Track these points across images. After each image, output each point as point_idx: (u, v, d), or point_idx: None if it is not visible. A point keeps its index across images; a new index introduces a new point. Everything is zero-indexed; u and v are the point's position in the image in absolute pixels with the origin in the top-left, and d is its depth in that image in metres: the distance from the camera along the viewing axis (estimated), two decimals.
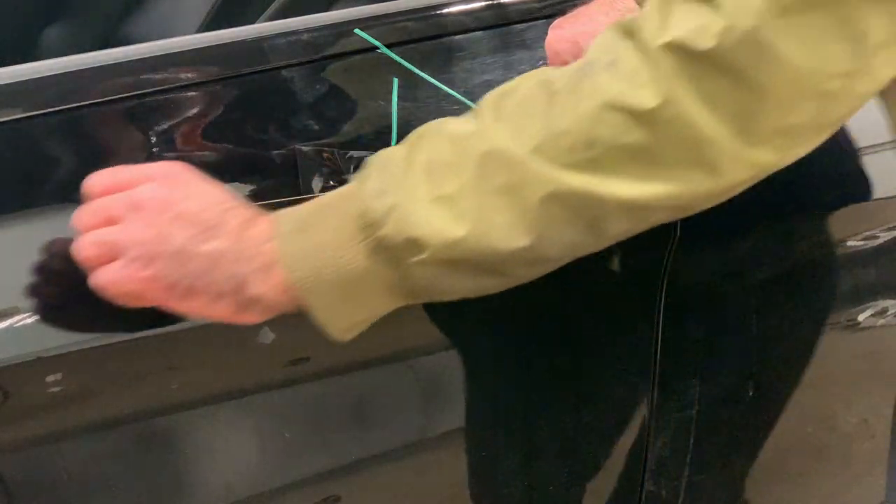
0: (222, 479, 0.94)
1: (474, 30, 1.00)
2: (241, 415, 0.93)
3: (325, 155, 0.90)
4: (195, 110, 0.91)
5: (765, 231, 1.12)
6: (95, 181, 0.78)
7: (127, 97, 0.88)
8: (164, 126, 0.90)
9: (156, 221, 0.75)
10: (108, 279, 0.75)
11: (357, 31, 0.94)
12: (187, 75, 0.91)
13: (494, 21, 1.01)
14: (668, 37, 0.67)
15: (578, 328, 1.06)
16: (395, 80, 0.94)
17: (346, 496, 0.99)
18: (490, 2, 1.02)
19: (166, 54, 0.92)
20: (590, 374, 1.10)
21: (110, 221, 0.76)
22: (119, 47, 0.92)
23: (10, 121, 0.85)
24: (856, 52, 0.67)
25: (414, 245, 0.71)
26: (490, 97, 0.75)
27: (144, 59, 0.92)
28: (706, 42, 0.66)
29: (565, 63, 0.80)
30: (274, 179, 0.90)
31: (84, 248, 0.76)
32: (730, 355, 1.17)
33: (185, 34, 1.02)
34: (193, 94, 0.91)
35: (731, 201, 1.10)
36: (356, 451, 0.99)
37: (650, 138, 0.68)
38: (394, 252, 0.72)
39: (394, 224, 0.71)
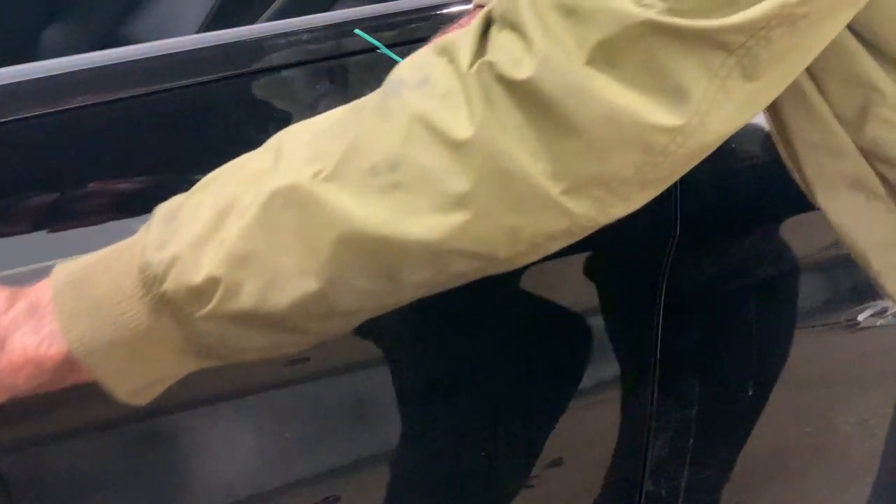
0: (222, 479, 0.94)
1: None
2: (241, 415, 0.92)
3: None
4: (195, 110, 0.91)
5: (765, 231, 1.12)
6: None
7: (127, 97, 0.88)
8: (164, 126, 0.90)
9: None
10: None
11: (357, 31, 0.94)
12: (187, 75, 0.91)
13: None
14: (482, 59, 0.63)
15: (578, 328, 1.06)
16: None
17: (346, 496, 0.99)
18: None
19: (166, 54, 0.92)
20: (590, 373, 1.10)
21: None
22: (119, 47, 0.92)
23: (10, 121, 0.85)
24: (679, 108, 0.63)
25: (195, 297, 0.66)
26: (293, 128, 0.70)
27: (144, 59, 0.92)
28: (521, 72, 0.62)
29: None
30: None
31: None
32: (730, 355, 1.17)
33: (185, 34, 1.02)
34: (193, 94, 0.91)
35: (730, 201, 1.10)
36: (356, 451, 0.99)
37: (459, 164, 0.63)
38: (177, 306, 0.66)
39: (175, 276, 0.65)
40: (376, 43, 0.94)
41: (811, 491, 1.36)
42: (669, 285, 1.07)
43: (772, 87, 0.67)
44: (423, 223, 0.63)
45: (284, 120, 0.91)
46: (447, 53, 0.65)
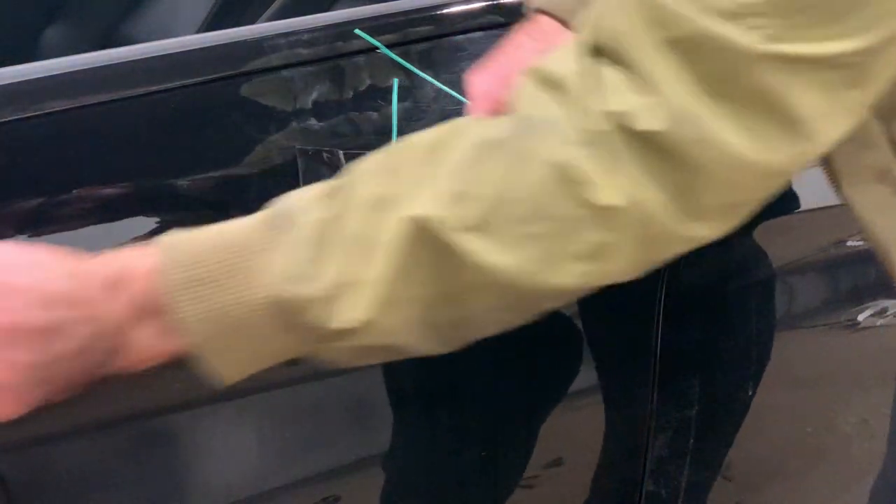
0: (222, 479, 0.94)
1: (474, 30, 1.00)
2: (241, 415, 0.92)
3: (325, 155, 0.90)
4: (195, 111, 0.91)
5: (765, 231, 1.12)
6: None
7: (127, 97, 0.88)
8: (164, 126, 0.90)
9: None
10: None
11: (357, 31, 0.94)
12: (187, 75, 0.91)
13: (494, 21, 1.01)
14: (608, 107, 0.63)
15: (578, 328, 1.06)
16: (395, 81, 0.94)
17: (346, 496, 0.99)
18: (490, 2, 1.02)
19: (166, 54, 0.92)
20: (590, 373, 1.10)
21: None
22: (119, 47, 0.92)
23: (10, 121, 0.85)
24: (796, 132, 0.64)
25: (336, 335, 0.65)
26: (412, 152, 0.68)
27: (144, 59, 0.92)
28: (654, 123, 0.63)
29: (496, 107, 0.74)
30: (274, 180, 0.90)
31: None
32: (730, 355, 1.17)
33: (185, 34, 1.02)
34: (193, 94, 0.90)
35: None
36: (356, 451, 0.99)
37: (603, 219, 0.64)
38: (312, 336, 0.66)
39: (315, 316, 0.65)
40: (376, 43, 0.94)
41: (811, 491, 1.36)
42: (669, 285, 1.07)
43: (878, 87, 0.68)
44: (564, 271, 0.65)
45: (284, 120, 0.91)
46: (558, 88, 0.65)
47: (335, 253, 0.65)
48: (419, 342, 0.68)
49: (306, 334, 0.66)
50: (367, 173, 0.67)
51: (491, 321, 0.69)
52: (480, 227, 0.64)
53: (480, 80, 0.83)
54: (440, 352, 0.69)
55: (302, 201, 0.68)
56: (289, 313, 0.65)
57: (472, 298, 0.66)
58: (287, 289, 0.65)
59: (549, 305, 0.70)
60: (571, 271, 0.65)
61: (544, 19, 0.88)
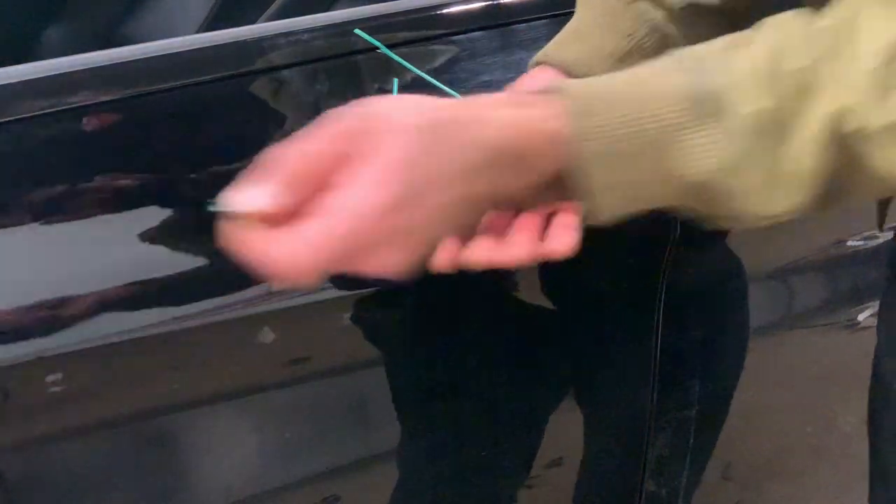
0: (222, 480, 0.94)
1: (474, 30, 1.00)
2: (241, 415, 0.93)
3: None
4: (195, 111, 0.91)
5: (765, 230, 1.12)
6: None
7: (127, 97, 0.88)
8: (164, 126, 0.90)
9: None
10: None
11: (357, 31, 0.94)
12: (187, 75, 0.91)
13: (494, 21, 1.01)
14: None
15: (578, 328, 1.06)
16: (395, 81, 0.94)
17: (346, 496, 0.99)
18: (490, 2, 1.02)
19: (166, 54, 0.92)
20: (590, 373, 1.10)
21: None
22: (119, 47, 0.92)
23: (10, 121, 0.85)
24: None
25: (763, 219, 0.66)
26: (823, 38, 0.64)
27: (144, 59, 0.92)
28: None
29: None
30: None
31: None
32: (730, 355, 1.17)
33: (185, 34, 1.02)
34: (193, 94, 0.91)
35: None
36: (356, 451, 0.99)
37: None
38: (726, 216, 0.66)
39: (741, 206, 0.65)
40: (376, 43, 0.94)
41: (811, 491, 1.36)
42: (669, 285, 1.07)
43: None
44: None
45: (284, 120, 0.91)
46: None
47: (769, 146, 0.63)
48: (800, 213, 0.66)
49: (724, 214, 0.66)
50: (789, 52, 0.64)
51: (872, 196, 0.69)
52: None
53: None
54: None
55: (733, 84, 0.64)
56: (714, 198, 0.65)
57: (865, 190, 0.66)
58: (719, 178, 0.64)
59: None
60: None
61: (545, 72, 0.86)
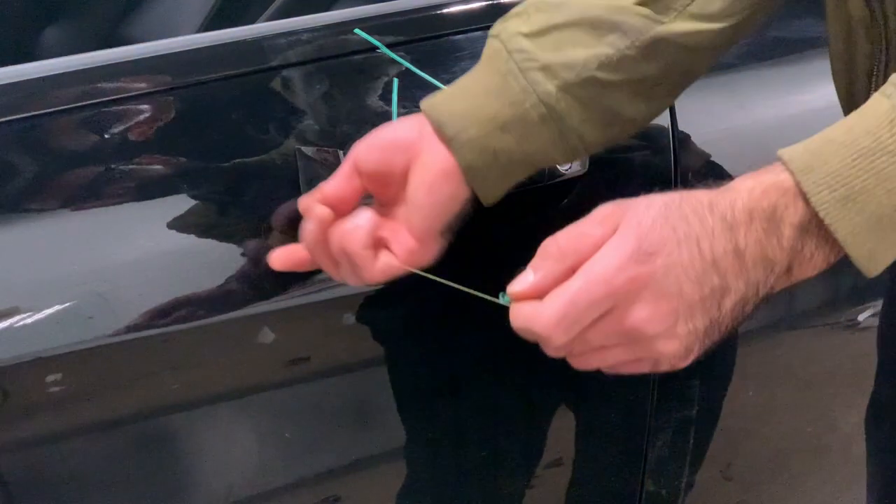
0: (222, 480, 0.94)
1: (474, 30, 1.00)
2: (241, 415, 0.93)
3: (325, 155, 0.90)
4: (195, 110, 0.91)
5: None
6: (555, 334, 0.70)
7: (126, 97, 0.88)
8: (164, 126, 0.90)
9: (671, 332, 0.68)
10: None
11: (357, 30, 0.94)
12: (187, 75, 0.91)
13: (494, 21, 1.01)
14: None
15: None
16: (396, 80, 0.94)
17: (346, 496, 0.99)
18: (490, 2, 1.02)
19: (166, 54, 0.92)
20: (590, 373, 1.10)
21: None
22: (119, 47, 0.92)
23: (11, 121, 0.85)
24: None
25: None
26: None
27: (144, 59, 0.92)
28: None
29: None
30: (274, 180, 0.90)
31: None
32: (730, 355, 1.17)
33: (185, 34, 1.02)
34: (193, 94, 0.91)
35: None
36: (356, 451, 0.99)
37: None
38: None
39: None
40: (376, 43, 0.94)
41: (811, 491, 1.36)
42: None
43: None
44: None
45: (284, 120, 0.92)
46: None
47: None
48: None
49: None
50: None
51: None
52: None
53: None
54: None
55: None
56: None
57: None
58: None
59: None
60: None
61: (422, 120, 0.84)
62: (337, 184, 0.80)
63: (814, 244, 0.68)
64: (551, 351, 0.72)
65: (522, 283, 0.70)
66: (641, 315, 0.67)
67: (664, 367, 0.71)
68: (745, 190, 0.67)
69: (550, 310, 0.68)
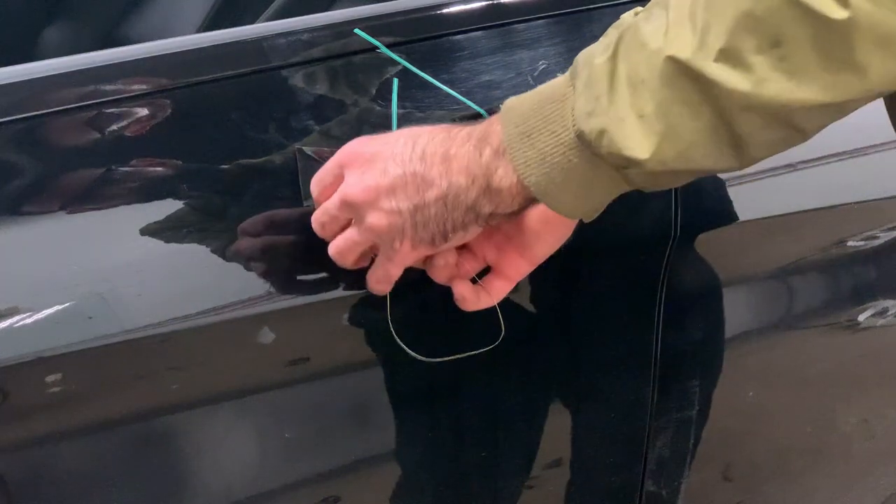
0: (222, 480, 0.94)
1: (474, 30, 1.00)
2: (241, 415, 0.93)
3: (325, 155, 0.90)
4: (195, 111, 0.91)
5: (764, 231, 1.12)
6: (313, 190, 0.87)
7: (126, 97, 0.88)
8: (164, 126, 0.90)
9: (375, 205, 0.82)
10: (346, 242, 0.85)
11: (357, 30, 0.94)
12: (187, 75, 0.91)
13: (494, 21, 1.01)
14: None
15: (579, 328, 1.06)
16: (395, 80, 0.94)
17: (346, 496, 0.99)
18: (490, 2, 1.02)
19: (166, 54, 0.92)
20: (590, 373, 1.10)
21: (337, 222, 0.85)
22: (119, 47, 0.92)
23: (11, 121, 0.85)
24: None
25: (628, 161, 0.75)
26: None
27: (144, 59, 0.92)
28: None
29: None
30: (273, 180, 0.90)
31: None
32: (730, 355, 1.17)
33: (185, 34, 1.02)
34: (193, 94, 0.91)
35: (729, 202, 1.10)
36: (356, 451, 0.99)
37: (841, 36, 0.68)
38: (611, 163, 0.76)
39: (606, 146, 0.75)
40: (376, 43, 0.94)
41: (811, 491, 1.36)
42: (669, 285, 1.07)
43: None
44: (815, 89, 0.70)
45: (284, 120, 0.91)
46: None
47: (618, 90, 0.74)
48: (708, 163, 0.75)
49: (608, 163, 0.76)
50: (640, 18, 0.76)
51: (765, 141, 0.74)
52: (726, 56, 0.70)
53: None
54: (735, 169, 0.76)
55: (592, 48, 0.78)
56: (590, 144, 0.75)
57: (739, 121, 0.72)
58: (585, 122, 0.75)
59: (807, 121, 0.74)
60: (823, 85, 0.70)
61: None
62: None
63: (503, 167, 0.80)
64: (313, 222, 0.87)
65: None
66: (350, 181, 0.83)
67: (392, 255, 0.85)
68: (485, 124, 0.82)
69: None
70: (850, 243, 1.22)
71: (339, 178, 0.84)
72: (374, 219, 0.82)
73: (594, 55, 0.76)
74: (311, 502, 0.98)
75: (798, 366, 1.24)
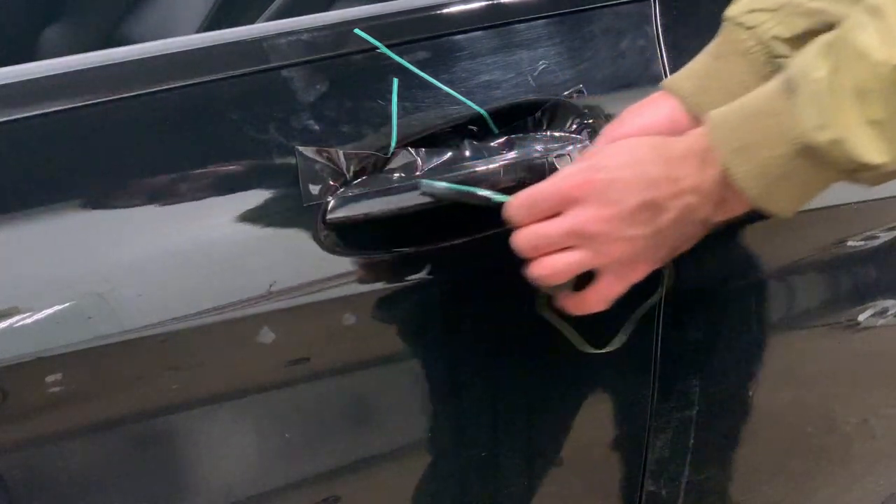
0: (222, 480, 0.94)
1: (474, 30, 1.00)
2: (242, 415, 0.93)
3: (325, 155, 0.90)
4: (195, 110, 0.91)
5: (765, 230, 1.12)
6: (517, 213, 0.88)
7: (127, 97, 0.88)
8: (164, 126, 0.90)
9: (613, 235, 0.85)
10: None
11: (357, 31, 0.94)
12: (187, 75, 0.91)
13: (494, 21, 1.01)
14: None
15: (579, 328, 1.06)
16: (395, 80, 0.94)
17: (346, 496, 0.99)
18: (490, 2, 1.02)
19: (166, 54, 0.92)
20: (590, 374, 1.10)
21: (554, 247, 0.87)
22: (119, 47, 0.92)
23: (11, 121, 0.85)
24: None
25: (864, 167, 0.79)
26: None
27: (144, 59, 0.92)
28: None
29: None
30: (273, 180, 0.90)
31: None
32: (730, 355, 1.17)
33: (185, 34, 1.02)
34: (193, 94, 0.91)
35: None
36: (356, 451, 0.99)
37: None
38: (842, 169, 0.80)
39: (840, 155, 0.78)
40: (376, 43, 0.94)
41: (811, 491, 1.36)
42: (670, 285, 1.07)
43: None
44: None
45: (284, 120, 0.91)
46: None
47: (846, 101, 0.78)
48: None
49: (836, 169, 0.80)
50: (850, 28, 0.79)
51: None
52: None
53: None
54: None
55: (804, 62, 0.81)
56: (820, 155, 0.79)
57: None
58: (815, 135, 0.79)
59: None
60: None
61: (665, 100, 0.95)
62: None
63: (727, 182, 0.84)
64: (520, 241, 0.88)
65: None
66: (587, 215, 0.85)
67: (624, 275, 0.88)
68: (690, 135, 0.86)
69: (520, 196, 0.88)
70: (850, 243, 1.22)
71: (559, 207, 0.86)
72: (614, 248, 0.85)
73: (809, 70, 0.79)
74: (311, 502, 0.99)
75: (798, 365, 1.24)
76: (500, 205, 0.89)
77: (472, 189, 0.91)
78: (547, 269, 0.87)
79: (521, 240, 0.87)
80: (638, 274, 0.88)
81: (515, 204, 0.88)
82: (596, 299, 0.90)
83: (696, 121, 0.91)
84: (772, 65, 0.92)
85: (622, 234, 0.84)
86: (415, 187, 0.91)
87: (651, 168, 0.84)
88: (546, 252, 0.87)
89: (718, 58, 0.94)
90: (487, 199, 0.90)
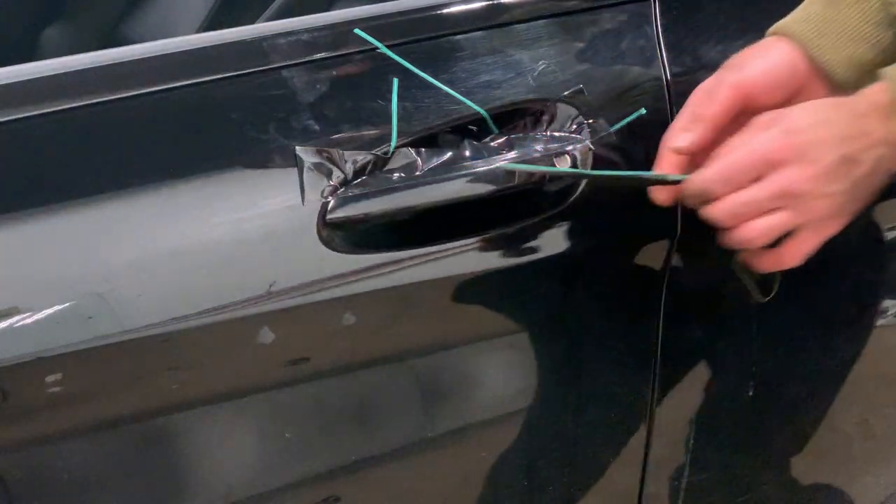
0: (222, 480, 0.94)
1: (474, 30, 1.00)
2: (242, 415, 0.93)
3: (325, 155, 0.90)
4: (195, 110, 0.91)
5: None
6: (713, 186, 0.90)
7: (127, 97, 0.88)
8: (164, 126, 0.90)
9: (816, 192, 0.89)
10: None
11: (357, 30, 0.94)
12: (187, 75, 0.91)
13: (494, 21, 1.01)
14: None
15: (579, 327, 1.06)
16: (395, 80, 0.94)
17: (346, 496, 1.00)
18: (490, 2, 1.02)
19: (166, 54, 0.92)
20: (590, 373, 1.10)
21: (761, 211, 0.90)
22: (119, 47, 0.92)
23: (11, 121, 0.85)
24: None
25: None
26: None
27: (144, 59, 0.92)
28: None
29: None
30: (273, 180, 0.90)
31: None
32: (730, 355, 1.17)
33: (185, 34, 1.02)
34: (193, 94, 0.91)
35: None
36: (356, 451, 0.99)
37: None
38: None
39: None
40: (376, 43, 0.94)
41: (811, 491, 1.36)
42: (670, 285, 1.07)
43: None
44: None
45: (284, 120, 0.91)
46: None
47: None
48: None
49: None
50: None
51: None
52: None
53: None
54: None
55: None
56: None
57: None
58: None
59: None
60: None
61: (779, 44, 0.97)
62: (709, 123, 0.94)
63: None
64: (719, 212, 0.90)
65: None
66: (791, 175, 0.88)
67: (822, 230, 0.92)
68: (870, 92, 0.89)
69: (711, 169, 0.90)
70: (849, 243, 1.22)
71: (759, 172, 0.89)
72: (819, 204, 0.89)
73: None
74: (311, 502, 0.99)
75: (798, 365, 1.24)
76: (674, 183, 0.92)
77: (639, 174, 0.94)
78: (756, 232, 0.90)
79: (722, 211, 0.90)
80: (833, 228, 0.92)
81: (709, 178, 0.90)
82: (793, 255, 0.94)
83: (814, 64, 0.95)
84: (885, 12, 0.95)
85: (824, 190, 0.88)
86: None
87: (842, 125, 0.88)
88: (748, 218, 0.90)
89: (830, 5, 0.96)
90: (663, 178, 0.93)
